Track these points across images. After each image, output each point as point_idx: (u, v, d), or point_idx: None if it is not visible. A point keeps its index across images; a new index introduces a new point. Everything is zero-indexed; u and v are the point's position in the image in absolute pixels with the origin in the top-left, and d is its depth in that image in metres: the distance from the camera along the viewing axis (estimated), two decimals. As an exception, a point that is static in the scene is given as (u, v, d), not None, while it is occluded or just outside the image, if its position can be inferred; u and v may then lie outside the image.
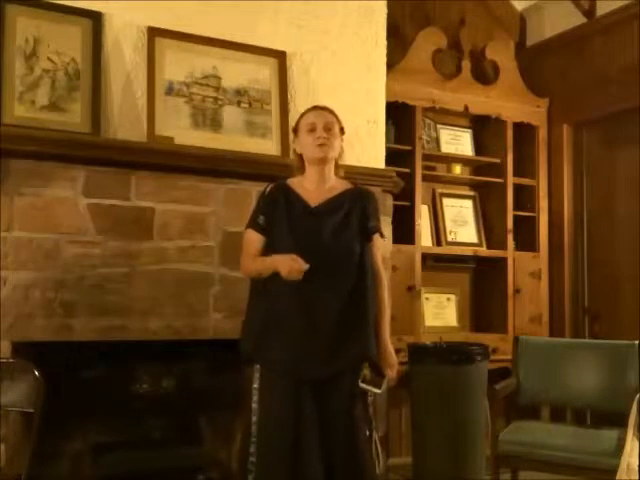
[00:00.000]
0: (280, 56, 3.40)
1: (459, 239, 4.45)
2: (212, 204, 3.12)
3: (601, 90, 4.23)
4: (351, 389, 2.40)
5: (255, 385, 2.42)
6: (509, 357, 3.69)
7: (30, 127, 2.82)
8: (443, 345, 3.80)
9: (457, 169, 4.44)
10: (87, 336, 2.86)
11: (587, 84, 4.33)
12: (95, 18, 3.03)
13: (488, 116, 4.45)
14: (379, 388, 2.46)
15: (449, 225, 4.43)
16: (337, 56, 3.55)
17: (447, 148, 4.49)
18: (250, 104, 3.31)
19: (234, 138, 3.23)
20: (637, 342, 3.29)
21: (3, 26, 2.87)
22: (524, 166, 4.57)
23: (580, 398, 3.40)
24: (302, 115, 2.55)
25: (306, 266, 2.27)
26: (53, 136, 2.83)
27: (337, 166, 2.55)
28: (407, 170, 4.11)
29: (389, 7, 3.72)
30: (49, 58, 2.95)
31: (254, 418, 2.41)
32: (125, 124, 3.06)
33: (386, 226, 3.37)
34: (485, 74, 4.58)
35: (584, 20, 4.37)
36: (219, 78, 3.27)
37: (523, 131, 4.55)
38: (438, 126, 4.50)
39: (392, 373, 2.50)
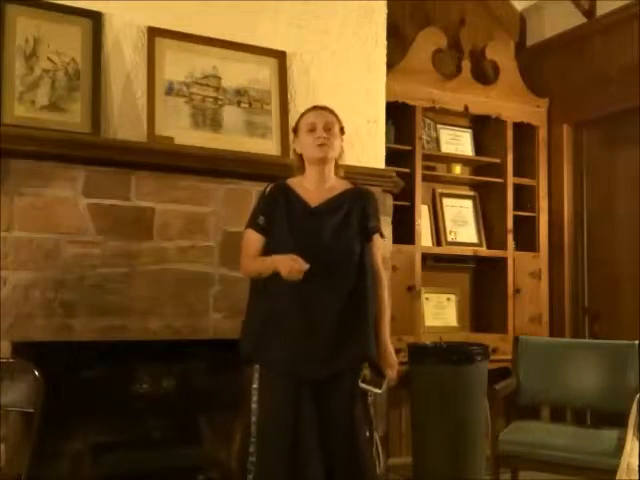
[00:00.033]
0: (280, 56, 3.40)
1: (459, 239, 4.45)
2: (212, 204, 3.13)
3: (601, 90, 4.23)
4: (351, 389, 2.40)
5: (255, 385, 2.42)
6: (509, 357, 3.69)
7: (30, 127, 2.82)
8: (443, 345, 3.81)
9: (457, 169, 4.44)
10: (87, 336, 2.86)
11: (587, 84, 4.33)
12: (95, 18, 3.03)
13: (488, 116, 4.45)
14: (379, 388, 2.46)
15: (449, 225, 4.44)
16: (337, 56, 3.55)
17: (447, 148, 4.49)
18: (250, 104, 3.31)
19: (234, 138, 3.23)
20: (637, 342, 3.29)
21: (3, 26, 2.87)
22: (524, 166, 4.57)
23: (580, 398, 3.40)
24: (302, 115, 2.55)
25: (306, 266, 2.27)
26: (53, 136, 2.84)
27: (337, 166, 2.55)
28: (407, 170, 4.11)
29: (389, 7, 3.72)
30: (49, 58, 2.95)
31: (253, 418, 2.41)
32: (125, 124, 3.06)
33: (386, 226, 3.37)
34: (485, 74, 4.58)
35: (584, 20, 4.37)
36: (219, 78, 3.27)
37: (523, 131, 4.55)
38: (438, 126, 4.50)
39: (392, 373, 2.50)
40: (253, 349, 2.42)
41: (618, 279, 4.23)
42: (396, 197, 3.68)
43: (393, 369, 2.50)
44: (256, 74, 3.34)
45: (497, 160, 4.47)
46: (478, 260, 4.52)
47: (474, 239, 4.49)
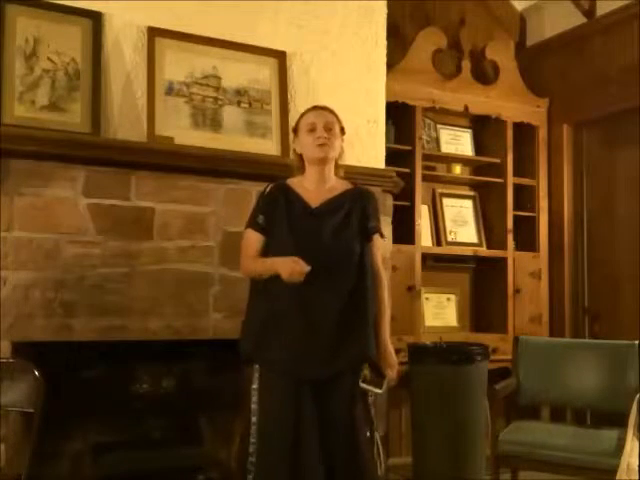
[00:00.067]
0: (280, 56, 3.40)
1: (459, 239, 4.45)
2: (212, 204, 3.13)
3: (601, 90, 4.23)
4: (351, 389, 2.40)
5: (254, 385, 2.41)
6: (509, 357, 3.69)
7: (30, 127, 2.82)
8: (443, 345, 3.81)
9: (457, 169, 4.44)
10: (87, 336, 2.86)
11: (587, 84, 4.33)
12: (95, 18, 3.03)
13: (488, 116, 4.45)
14: (380, 388, 2.46)
15: (449, 225, 4.43)
16: (337, 56, 3.55)
17: (447, 148, 4.49)
18: (250, 104, 3.31)
19: (234, 138, 3.23)
20: (637, 342, 3.29)
21: (3, 26, 2.87)
22: (524, 166, 4.57)
23: (580, 398, 3.40)
24: (302, 115, 2.55)
25: (307, 268, 2.26)
26: (53, 136, 2.83)
27: (337, 166, 2.55)
28: (407, 170, 4.11)
29: (389, 7, 3.72)
30: (49, 58, 2.95)
31: (253, 418, 2.40)
32: (125, 124, 3.06)
33: (386, 226, 3.37)
34: (485, 74, 4.58)
35: (584, 20, 4.37)
36: (219, 78, 3.27)
37: (523, 131, 4.55)
38: (438, 126, 4.50)
39: (392, 373, 2.49)
40: (253, 349, 2.42)
41: (618, 279, 4.23)
42: (396, 197, 3.68)
43: (393, 369, 2.50)
44: (256, 74, 3.34)
45: (497, 160, 4.47)
46: (478, 260, 4.52)
47: (474, 239, 4.50)
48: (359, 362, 2.44)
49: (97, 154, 2.88)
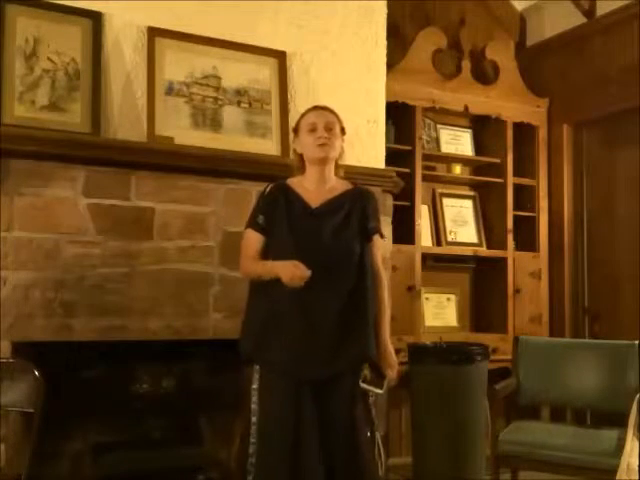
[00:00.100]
0: (280, 56, 3.40)
1: (459, 239, 4.45)
2: (212, 204, 3.12)
3: (601, 90, 4.23)
4: (351, 390, 2.40)
5: (254, 386, 2.41)
6: (509, 357, 3.69)
7: (30, 127, 2.82)
8: (443, 345, 3.81)
9: (457, 169, 4.44)
10: (87, 336, 2.86)
11: (587, 84, 4.33)
12: (95, 18, 3.03)
13: (488, 116, 4.45)
14: (380, 388, 2.46)
15: (449, 225, 4.44)
16: (337, 56, 3.55)
17: (447, 148, 4.49)
18: (250, 104, 3.31)
19: (234, 138, 3.23)
20: (637, 342, 3.29)
21: (3, 26, 2.87)
22: (524, 166, 4.57)
23: (580, 398, 3.40)
24: (303, 115, 2.55)
25: (308, 273, 2.25)
26: (53, 136, 2.83)
27: (337, 166, 2.55)
28: (407, 170, 4.11)
29: (389, 7, 3.72)
30: (49, 58, 2.95)
31: (253, 419, 2.40)
32: (125, 124, 3.06)
33: (386, 226, 3.37)
34: (485, 74, 4.58)
35: (584, 20, 4.37)
36: (219, 78, 3.27)
37: (523, 131, 4.55)
38: (438, 126, 4.50)
39: (392, 373, 2.49)
40: (253, 349, 2.42)
41: (618, 279, 4.23)
42: (396, 197, 3.68)
43: (393, 369, 2.49)
44: (256, 74, 3.34)
45: (497, 160, 4.47)
46: (478, 260, 4.52)
47: (474, 239, 4.50)
48: (359, 362, 2.43)
49: (97, 154, 2.88)
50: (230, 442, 3.28)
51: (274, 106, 3.35)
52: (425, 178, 4.26)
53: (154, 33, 3.12)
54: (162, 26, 3.14)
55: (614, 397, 3.24)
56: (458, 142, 4.56)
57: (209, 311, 3.08)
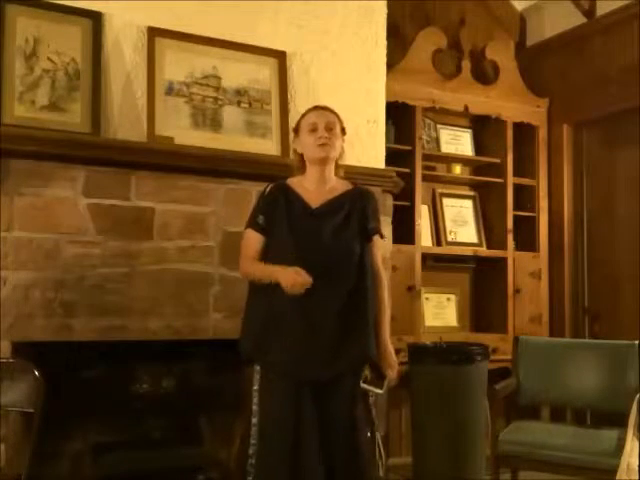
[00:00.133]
0: (280, 56, 3.40)
1: (459, 239, 4.44)
2: (212, 204, 3.12)
3: (601, 90, 4.23)
4: (352, 390, 2.40)
5: (255, 387, 2.41)
6: (509, 357, 3.69)
7: (30, 127, 2.82)
8: (443, 345, 3.80)
9: (457, 169, 4.44)
10: (87, 336, 2.86)
11: (587, 84, 4.33)
12: (95, 18, 3.03)
13: (488, 116, 4.45)
14: (380, 389, 2.46)
15: (449, 225, 4.43)
16: (337, 56, 3.55)
17: (447, 148, 4.49)
18: (250, 104, 3.31)
19: (234, 138, 3.23)
20: (637, 342, 3.29)
21: (3, 26, 2.87)
22: (524, 166, 4.57)
23: (580, 398, 3.40)
24: (303, 115, 2.55)
25: (310, 280, 2.25)
26: (53, 136, 2.83)
27: (338, 166, 2.55)
28: (407, 170, 4.11)
29: (389, 7, 3.72)
30: (49, 58, 2.95)
31: (254, 420, 2.40)
32: (125, 124, 3.06)
33: (386, 226, 3.37)
34: (485, 74, 4.58)
35: (584, 20, 4.37)
36: (219, 78, 3.27)
37: (523, 131, 4.55)
38: (438, 126, 4.50)
39: (392, 373, 2.49)
40: (253, 350, 2.41)
41: (618, 279, 4.23)
42: (396, 197, 3.68)
43: (393, 369, 2.49)
44: (256, 74, 3.34)
45: (497, 160, 4.46)
46: (478, 260, 4.52)
47: (474, 239, 4.49)
48: (360, 363, 2.43)
49: (97, 154, 2.88)
50: (230, 442, 3.28)
51: (274, 106, 3.35)
52: (425, 178, 4.26)
53: (154, 33, 3.12)
54: (162, 26, 3.14)
55: (614, 397, 3.24)
56: (458, 142, 4.56)
57: (209, 311, 3.08)
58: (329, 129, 2.46)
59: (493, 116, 4.45)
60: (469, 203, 4.57)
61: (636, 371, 3.17)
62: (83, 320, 2.85)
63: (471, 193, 4.61)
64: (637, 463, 2.26)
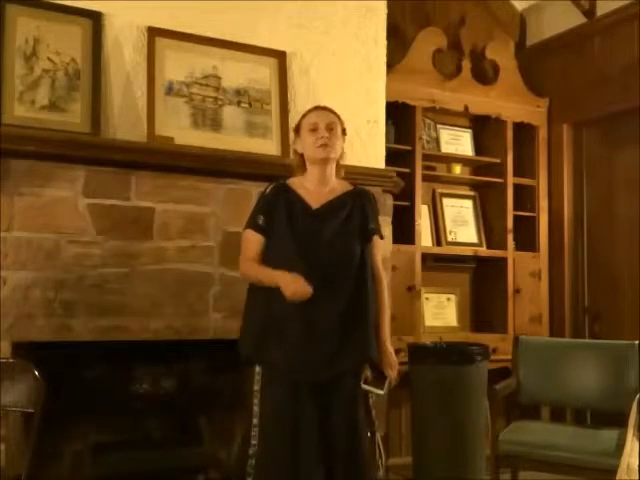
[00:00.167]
0: (280, 56, 3.40)
1: (459, 239, 4.44)
2: (212, 204, 3.12)
3: (601, 90, 4.23)
4: (352, 391, 2.40)
5: (256, 387, 2.41)
6: (509, 357, 3.68)
7: (30, 127, 2.82)
8: (443, 345, 3.80)
9: (457, 169, 4.44)
10: (87, 336, 2.86)
11: (587, 84, 4.33)
12: (95, 18, 3.03)
13: (488, 116, 4.45)
14: (381, 389, 2.45)
15: (449, 225, 4.43)
16: (337, 56, 3.55)
17: (447, 148, 4.49)
18: (250, 104, 3.31)
19: (234, 138, 3.23)
20: (637, 342, 3.29)
21: (3, 26, 2.87)
22: (524, 166, 4.57)
23: (580, 398, 3.40)
24: (304, 115, 2.54)
25: (310, 291, 2.26)
26: (53, 136, 2.84)
27: (339, 167, 2.55)
28: (407, 170, 4.11)
29: (389, 7, 3.72)
30: (49, 58, 2.95)
31: (255, 421, 2.40)
32: (125, 124, 3.06)
33: (386, 226, 3.37)
34: (485, 74, 4.58)
35: (584, 20, 4.37)
36: (219, 78, 3.27)
37: (523, 131, 4.55)
38: (438, 126, 4.50)
39: (393, 373, 2.49)
40: (253, 351, 2.41)
41: (618, 279, 4.23)
42: (396, 197, 3.68)
43: (393, 369, 2.49)
44: (256, 74, 3.34)
45: (497, 160, 4.46)
46: (478, 260, 4.52)
47: (474, 239, 4.49)
48: (360, 363, 2.43)
49: (97, 154, 2.88)
50: (230, 442, 3.28)
51: (274, 106, 3.35)
52: (425, 178, 4.26)
53: (154, 33, 3.12)
54: (162, 26, 3.14)
55: (614, 397, 3.24)
56: (458, 142, 4.55)
57: (209, 311, 3.08)
58: (330, 129, 2.45)
59: (493, 116, 4.44)
60: (469, 203, 4.57)
61: (636, 371, 3.17)
62: (83, 320, 2.85)
63: (471, 193, 4.61)
64: (637, 463, 2.26)
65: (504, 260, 4.40)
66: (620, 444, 2.68)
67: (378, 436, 2.55)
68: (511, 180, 4.45)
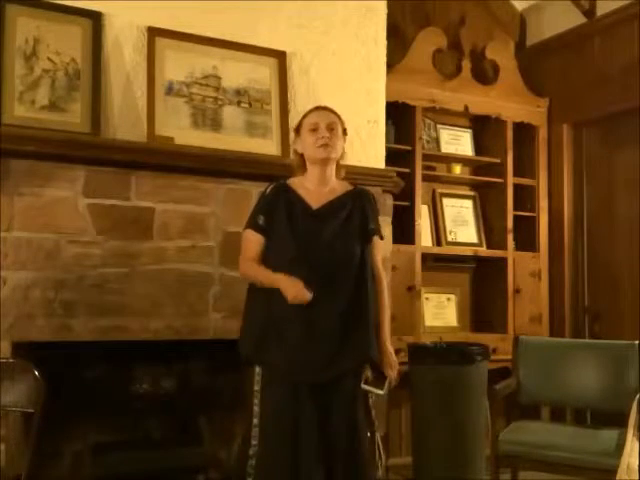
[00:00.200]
0: (280, 56, 3.40)
1: (459, 239, 4.44)
2: (212, 204, 3.12)
3: (601, 90, 4.23)
4: (352, 391, 2.40)
5: (256, 388, 2.41)
6: (509, 357, 3.68)
7: (30, 127, 2.82)
8: (443, 345, 3.80)
9: (457, 169, 4.44)
10: (87, 336, 2.86)
11: (587, 84, 4.33)
12: (95, 18, 3.03)
13: (488, 116, 4.44)
14: (381, 389, 2.45)
15: (449, 225, 4.43)
16: (337, 56, 3.55)
17: (447, 148, 4.49)
18: (250, 104, 3.31)
19: (234, 138, 3.23)
20: (637, 342, 3.29)
21: (3, 26, 2.87)
22: (524, 166, 4.57)
23: (580, 398, 3.40)
24: (305, 115, 2.55)
25: (310, 296, 2.27)
26: (53, 136, 2.84)
27: (339, 167, 2.55)
28: (407, 170, 4.11)
29: (389, 7, 3.72)
30: (49, 58, 2.95)
31: (255, 421, 2.40)
32: (125, 124, 3.06)
33: (386, 226, 3.37)
34: (485, 74, 4.58)
35: (584, 20, 4.37)
36: (219, 78, 3.27)
37: (523, 131, 4.55)
38: (438, 126, 4.50)
39: (393, 373, 2.49)
40: (253, 352, 2.41)
41: (618, 279, 4.23)
42: (396, 197, 3.68)
43: (394, 369, 2.49)
44: (256, 74, 3.34)
45: (497, 160, 4.46)
46: (478, 260, 4.52)
47: (474, 239, 4.49)
48: (360, 364, 2.43)
49: (97, 154, 2.88)
50: (230, 442, 3.28)
51: (274, 106, 3.35)
52: (425, 178, 4.26)
53: (154, 33, 3.12)
54: (162, 26, 3.14)
55: (614, 397, 3.24)
56: (458, 142, 4.55)
57: (209, 311, 3.08)
58: (330, 129, 2.45)
59: (493, 116, 4.44)
60: (469, 203, 4.57)
61: (636, 371, 3.17)
62: (83, 320, 2.85)
63: (471, 193, 4.61)
64: (637, 463, 2.26)
65: (504, 260, 4.40)
66: (620, 444, 2.68)
67: (378, 436, 2.55)
68: (511, 180, 4.45)
